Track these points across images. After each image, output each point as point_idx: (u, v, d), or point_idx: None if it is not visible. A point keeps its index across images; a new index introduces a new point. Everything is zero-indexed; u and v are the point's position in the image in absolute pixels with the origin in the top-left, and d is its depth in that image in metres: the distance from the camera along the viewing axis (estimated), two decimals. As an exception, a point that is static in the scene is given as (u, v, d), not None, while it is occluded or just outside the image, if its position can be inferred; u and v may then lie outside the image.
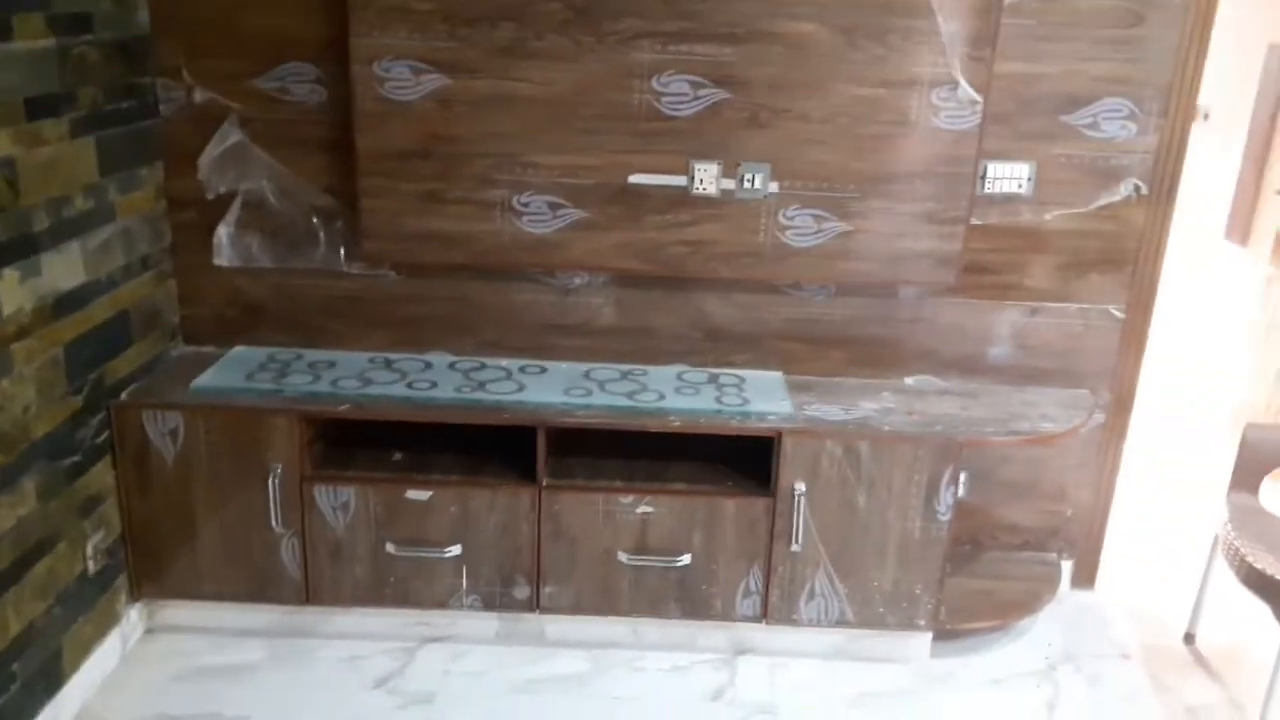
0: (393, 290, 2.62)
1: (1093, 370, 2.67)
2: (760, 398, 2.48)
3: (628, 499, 2.36)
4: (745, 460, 2.44)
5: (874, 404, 2.51)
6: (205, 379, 2.42)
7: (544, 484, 2.35)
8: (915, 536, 2.38)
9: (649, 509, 2.37)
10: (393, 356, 2.63)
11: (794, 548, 2.37)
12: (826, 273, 2.52)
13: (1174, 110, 2.45)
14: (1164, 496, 3.44)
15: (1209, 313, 4.45)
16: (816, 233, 2.47)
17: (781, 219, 2.45)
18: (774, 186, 2.43)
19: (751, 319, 2.64)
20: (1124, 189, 2.52)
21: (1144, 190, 2.51)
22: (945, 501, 2.35)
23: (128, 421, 2.30)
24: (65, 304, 2.10)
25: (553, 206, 2.44)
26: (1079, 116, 2.46)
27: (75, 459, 2.17)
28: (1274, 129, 4.04)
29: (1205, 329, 4.46)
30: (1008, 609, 2.59)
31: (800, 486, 2.33)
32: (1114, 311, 2.62)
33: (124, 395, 2.34)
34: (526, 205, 2.44)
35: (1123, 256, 2.57)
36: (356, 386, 2.43)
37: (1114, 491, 2.79)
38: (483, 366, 2.60)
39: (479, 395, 2.42)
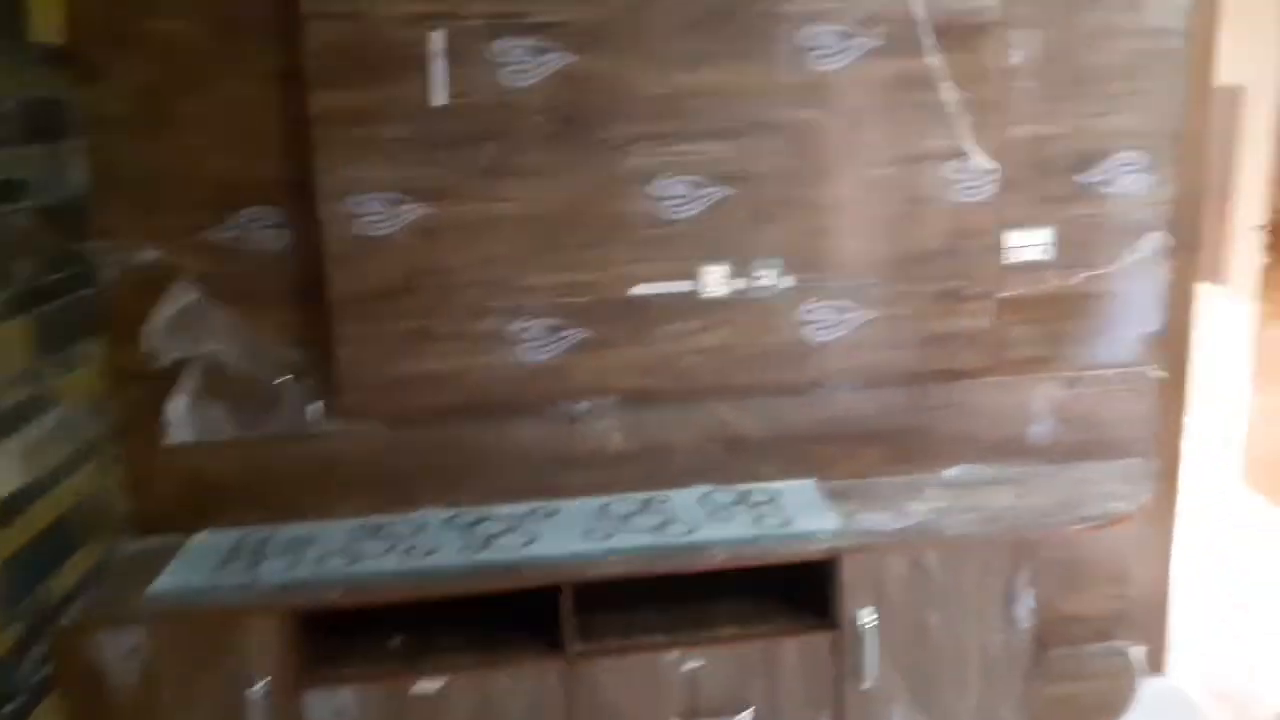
0: (375, 445, 2.50)
1: (1135, 437, 2.72)
2: (801, 514, 2.44)
3: (671, 655, 2.26)
4: (790, 584, 2.38)
5: (923, 505, 2.49)
6: (165, 580, 2.24)
7: (572, 652, 2.24)
8: (996, 651, 2.35)
9: (697, 663, 2.27)
10: (379, 521, 2.49)
11: (866, 685, 2.30)
12: (852, 366, 2.52)
13: (1188, 158, 2.56)
14: (1212, 564, 3.49)
15: (1203, 356, 4.62)
16: (837, 324, 2.47)
17: (799, 314, 2.45)
18: (788, 281, 2.43)
19: (774, 424, 2.62)
20: (1147, 243, 2.60)
21: (1169, 242, 2.60)
22: (1024, 607, 2.32)
23: (76, 648, 2.08)
24: (2, 516, 1.92)
25: (551, 330, 2.39)
26: (1093, 174, 2.55)
27: (14, 705, 1.95)
28: (1229, 166, 4.28)
29: (1203, 374, 4.62)
30: (1095, 713, 2.57)
31: (868, 614, 2.27)
32: (1152, 372, 2.68)
33: (68, 616, 2.12)
34: (523, 331, 2.38)
35: (1153, 314, 2.64)
36: (343, 565, 2.29)
37: (1171, 565, 2.82)
38: (483, 520, 2.49)
39: (487, 555, 2.31)
